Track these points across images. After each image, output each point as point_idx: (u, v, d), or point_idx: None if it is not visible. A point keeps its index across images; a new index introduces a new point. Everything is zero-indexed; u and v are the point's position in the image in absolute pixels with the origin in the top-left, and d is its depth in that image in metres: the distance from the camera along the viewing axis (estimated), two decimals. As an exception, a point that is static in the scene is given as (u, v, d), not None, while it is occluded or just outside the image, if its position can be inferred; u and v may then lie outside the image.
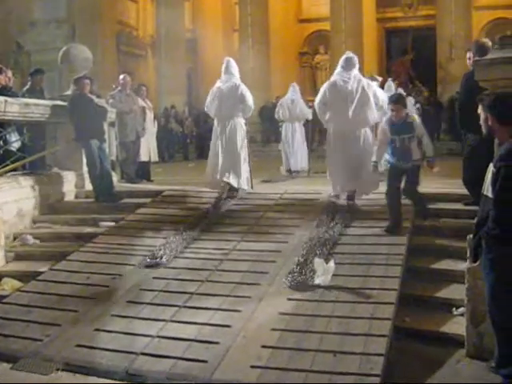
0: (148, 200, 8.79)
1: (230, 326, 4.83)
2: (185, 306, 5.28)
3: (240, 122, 8.90)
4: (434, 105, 20.73)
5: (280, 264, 6.04)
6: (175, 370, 4.32)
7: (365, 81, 7.89)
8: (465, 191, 7.17)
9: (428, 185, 7.72)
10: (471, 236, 4.46)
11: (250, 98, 8.79)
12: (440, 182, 8.50)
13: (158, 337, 4.77)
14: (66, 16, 22.79)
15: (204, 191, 8.98)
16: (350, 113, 7.57)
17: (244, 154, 8.89)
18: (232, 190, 8.72)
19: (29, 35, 22.36)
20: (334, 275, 5.58)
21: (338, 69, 7.92)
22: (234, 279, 5.77)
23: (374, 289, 5.30)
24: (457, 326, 5.03)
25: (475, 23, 22.48)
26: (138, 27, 27.44)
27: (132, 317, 5.17)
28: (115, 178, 9.77)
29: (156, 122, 12.58)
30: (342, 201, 7.92)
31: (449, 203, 7.53)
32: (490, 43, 6.58)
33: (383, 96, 8.21)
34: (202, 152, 20.18)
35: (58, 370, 4.50)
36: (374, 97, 7.79)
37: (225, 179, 8.66)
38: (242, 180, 8.78)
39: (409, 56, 25.86)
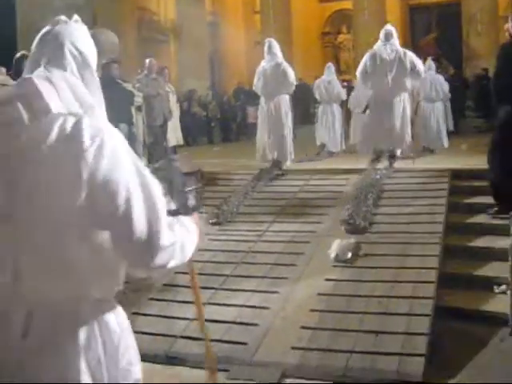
0: (177, 183, 8.75)
1: (268, 308, 4.80)
2: (221, 289, 5.25)
3: (285, 99, 9.38)
4: (460, 82, 20.37)
5: (315, 244, 5.97)
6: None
7: (401, 50, 8.48)
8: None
9: (462, 161, 7.59)
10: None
11: (291, 74, 9.25)
12: (474, 158, 8.36)
13: (196, 319, 4.75)
14: (86, 1, 22.74)
15: (234, 173, 8.94)
16: (389, 80, 8.29)
17: (288, 129, 9.36)
18: (276, 165, 9.09)
19: (49, 21, 22.39)
20: (371, 255, 5.53)
21: (378, 42, 8.65)
22: (269, 260, 5.73)
23: (413, 268, 5.22)
24: (499, 304, 4.93)
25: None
26: (158, 12, 27.30)
27: (169, 300, 5.16)
28: (143, 162, 9.73)
29: (178, 106, 12.49)
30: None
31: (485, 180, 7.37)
32: None
33: (420, 63, 8.64)
34: (227, 136, 20.17)
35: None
36: (411, 64, 8.36)
37: (271, 156, 9.17)
38: (287, 155, 9.23)
39: (433, 34, 25.44)
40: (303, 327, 4.43)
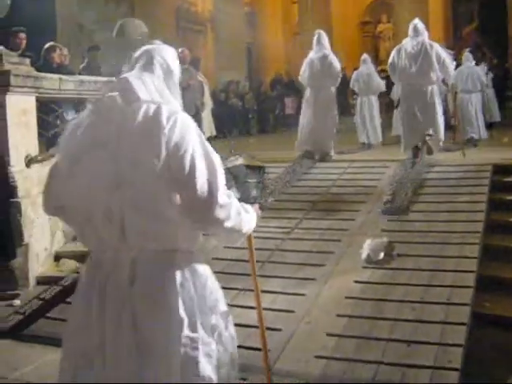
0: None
1: (293, 311, 4.51)
2: (245, 289, 4.98)
3: (331, 90, 9.57)
4: (503, 72, 19.70)
5: (346, 243, 5.67)
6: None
7: (428, 43, 8.45)
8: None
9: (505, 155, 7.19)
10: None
11: (337, 66, 9.43)
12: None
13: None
14: (125, -8, 22.69)
15: (270, 166, 8.66)
16: (415, 73, 8.34)
17: (333, 121, 9.52)
18: (312, 157, 9.17)
19: (89, 14, 22.39)
20: (404, 255, 5.20)
21: (408, 36, 8.68)
22: (296, 260, 5.44)
23: (450, 271, 4.87)
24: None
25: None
26: (196, 2, 27.15)
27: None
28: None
29: (211, 97, 12.22)
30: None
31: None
32: None
33: (446, 55, 8.55)
34: (264, 127, 19.92)
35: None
36: (437, 56, 8.35)
37: (313, 146, 9.27)
38: (330, 146, 9.40)
39: (473, 24, 24.68)
40: (329, 334, 4.12)
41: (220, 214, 2.09)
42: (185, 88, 10.01)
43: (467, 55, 11.73)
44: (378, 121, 12.06)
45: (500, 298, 4.90)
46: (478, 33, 24.19)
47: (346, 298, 4.59)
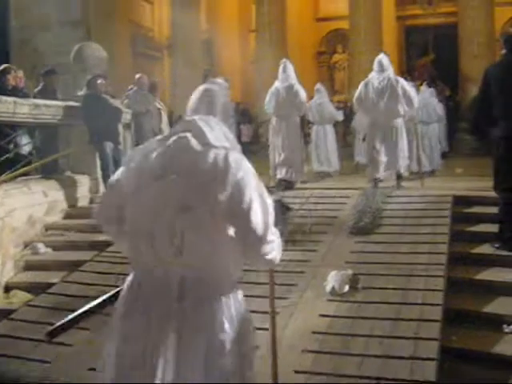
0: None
1: (257, 347, 4.35)
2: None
3: (296, 120, 9.74)
4: (454, 104, 20.14)
5: (310, 275, 5.56)
6: None
7: (393, 78, 8.81)
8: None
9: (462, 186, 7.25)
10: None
11: (303, 95, 9.55)
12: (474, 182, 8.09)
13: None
14: (81, 17, 22.39)
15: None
16: (382, 107, 8.65)
17: (299, 149, 9.79)
18: (286, 184, 9.38)
19: (44, 37, 22.05)
20: (370, 288, 5.11)
21: (373, 70, 9.01)
22: (255, 292, 5.28)
23: (416, 304, 4.80)
24: (510, 345, 4.53)
25: (497, 20, 21.83)
26: (153, 28, 27.05)
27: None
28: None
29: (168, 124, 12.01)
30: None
31: (487, 207, 6.98)
32: None
33: (411, 90, 8.94)
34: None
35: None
36: (403, 90, 8.68)
37: (281, 175, 9.51)
38: (298, 175, 9.68)
39: (429, 56, 25.28)
40: (297, 371, 3.98)
41: (268, 248, 2.39)
42: (143, 114, 9.88)
43: (424, 88, 12.14)
44: (333, 149, 12.18)
45: (466, 331, 4.84)
46: (433, 65, 24.77)
47: (313, 332, 4.46)
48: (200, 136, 2.41)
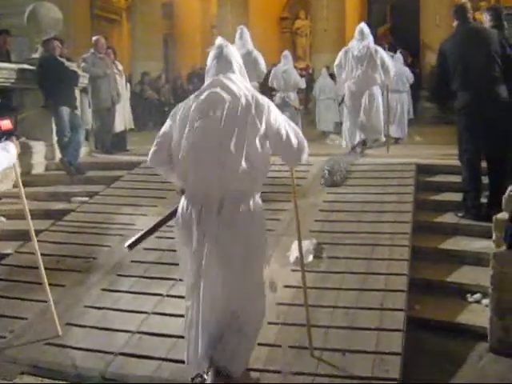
0: (125, 172, 8.11)
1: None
2: (169, 295, 4.67)
3: (255, 87, 9.32)
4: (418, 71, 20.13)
5: (272, 245, 5.41)
6: (160, 374, 3.73)
7: (373, 47, 8.96)
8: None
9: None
10: (498, 216, 3.92)
11: (262, 63, 9.39)
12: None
13: (139, 332, 4.18)
14: (35, -24, 21.57)
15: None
16: (361, 74, 8.84)
17: None
18: None
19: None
20: (334, 258, 5.04)
21: (353, 38, 9.17)
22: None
23: (382, 274, 4.74)
24: (474, 315, 4.51)
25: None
26: (112, -10, 26.29)
27: (108, 308, 4.56)
28: (87, 148, 9.09)
29: (129, 87, 11.68)
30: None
31: (451, 175, 6.96)
32: None
33: (389, 60, 9.18)
34: (181, 120, 19.47)
35: (23, 373, 3.88)
36: (381, 60, 8.87)
37: None
38: None
39: (386, 25, 25.14)
40: (260, 344, 3.86)
41: (305, 155, 3.31)
42: (101, 78, 9.53)
43: (397, 56, 11.92)
44: (298, 117, 11.99)
45: (430, 300, 4.80)
46: (392, 33, 24.64)
47: (277, 304, 4.36)
48: (226, 89, 3.19)
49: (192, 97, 3.27)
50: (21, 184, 4.22)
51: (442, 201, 6.48)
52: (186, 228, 3.22)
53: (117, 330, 4.22)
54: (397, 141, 10.99)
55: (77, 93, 9.05)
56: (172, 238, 5.75)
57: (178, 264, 5.15)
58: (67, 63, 8.52)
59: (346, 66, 9.02)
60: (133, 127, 11.15)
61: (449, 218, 6.08)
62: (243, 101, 3.13)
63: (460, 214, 6.00)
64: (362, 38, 8.98)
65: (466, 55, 5.84)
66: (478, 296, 4.71)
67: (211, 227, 3.12)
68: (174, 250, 5.41)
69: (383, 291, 4.46)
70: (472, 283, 4.85)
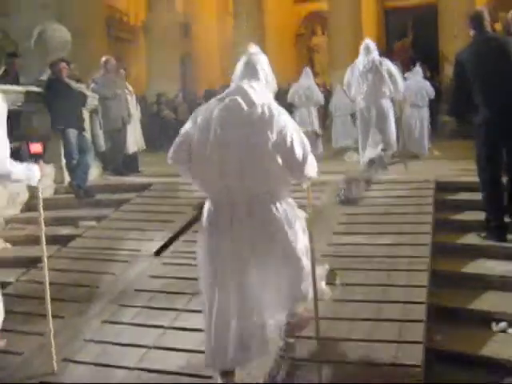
0: (134, 195, 7.90)
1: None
2: (171, 328, 4.40)
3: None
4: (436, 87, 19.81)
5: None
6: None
7: (378, 60, 8.84)
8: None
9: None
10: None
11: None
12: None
13: (138, 369, 3.90)
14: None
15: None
16: (367, 88, 8.71)
17: None
18: None
19: (13, 21, 21.26)
20: (349, 284, 4.73)
21: (359, 54, 9.05)
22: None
23: (399, 302, 4.42)
24: (500, 346, 4.17)
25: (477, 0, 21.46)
26: (128, 12, 26.38)
27: (108, 342, 4.29)
28: (97, 170, 8.91)
29: (139, 108, 11.49)
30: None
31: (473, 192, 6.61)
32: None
33: (396, 72, 8.97)
34: (197, 139, 19.32)
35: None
36: (388, 72, 8.75)
37: None
38: None
39: (408, 38, 24.91)
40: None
41: (309, 168, 3.28)
42: (111, 98, 9.37)
43: (417, 69, 11.72)
44: (319, 140, 11.82)
45: (451, 329, 4.47)
46: (412, 47, 24.38)
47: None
48: (248, 98, 3.25)
49: (214, 100, 3.36)
50: (41, 209, 4.13)
51: (463, 220, 6.15)
52: (212, 231, 3.31)
53: (117, 367, 3.95)
54: (417, 157, 10.63)
55: (86, 114, 8.89)
56: (177, 265, 5.56)
57: (183, 293, 4.95)
58: (75, 84, 8.37)
59: (353, 82, 8.95)
60: (144, 147, 10.93)
61: (471, 239, 5.75)
62: (259, 110, 3.22)
63: (483, 235, 5.67)
64: (367, 52, 8.90)
65: (485, 68, 5.51)
66: (503, 325, 4.37)
67: (243, 230, 3.22)
68: (181, 278, 5.20)
69: (400, 321, 4.13)
70: (497, 310, 4.51)
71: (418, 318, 4.15)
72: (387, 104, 8.91)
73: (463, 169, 7.52)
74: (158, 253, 5.50)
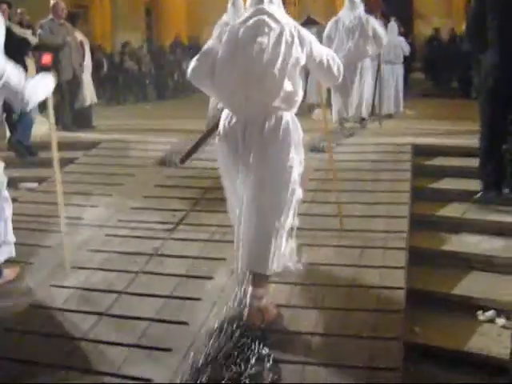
0: (81, 154, 7.16)
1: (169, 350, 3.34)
2: (108, 315, 3.75)
3: None
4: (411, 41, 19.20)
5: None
6: None
7: (364, 17, 8.43)
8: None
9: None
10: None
11: None
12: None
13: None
14: None
15: (152, 141, 7.44)
16: (351, 46, 8.28)
17: None
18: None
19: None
20: (317, 264, 4.12)
21: (344, 8, 8.65)
22: (178, 270, 4.25)
23: (372, 287, 3.83)
24: (488, 339, 3.60)
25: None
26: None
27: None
28: (44, 126, 8.09)
29: (90, 58, 10.53)
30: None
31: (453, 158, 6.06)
32: None
33: (381, 30, 8.58)
34: (162, 93, 18.49)
35: None
36: (373, 30, 8.34)
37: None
38: None
39: (378, -9, 24.11)
40: None
41: (339, 70, 3.70)
42: (60, 46, 8.50)
43: (392, 25, 11.28)
44: None
45: (432, 319, 3.88)
46: (383, 2, 23.63)
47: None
48: (271, 16, 3.44)
49: (237, 23, 3.55)
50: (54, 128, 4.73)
51: (443, 189, 5.57)
52: (229, 141, 3.51)
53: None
54: (390, 115, 10.18)
55: (31, 63, 8.04)
56: (120, 237, 4.90)
57: (125, 271, 4.31)
58: (17, 30, 7.51)
59: (335, 37, 8.42)
60: (96, 101, 10.11)
61: (452, 210, 5.17)
62: (287, 31, 3.41)
63: (477, 196, 5.08)
64: (352, 7, 8.44)
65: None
66: (491, 314, 3.82)
67: (257, 143, 3.40)
68: (123, 253, 4.54)
69: (376, 311, 3.55)
70: (483, 296, 3.95)
71: (395, 308, 3.56)
72: (368, 64, 8.57)
73: (438, 129, 7.06)
74: (182, 161, 5.57)
